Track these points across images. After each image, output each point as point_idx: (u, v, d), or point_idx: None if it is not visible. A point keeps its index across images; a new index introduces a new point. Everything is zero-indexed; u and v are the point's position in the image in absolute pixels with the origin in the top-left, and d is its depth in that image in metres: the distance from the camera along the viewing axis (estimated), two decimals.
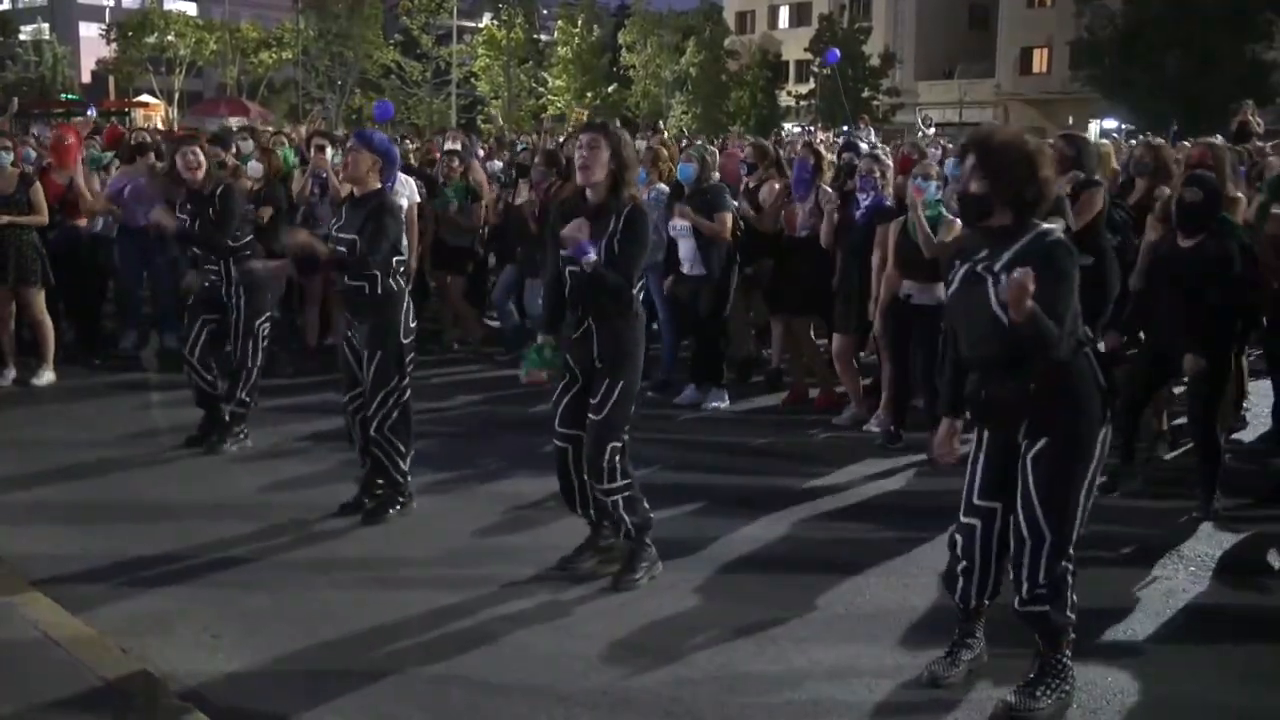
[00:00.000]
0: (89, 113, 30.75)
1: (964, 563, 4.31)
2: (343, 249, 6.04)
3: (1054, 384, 4.04)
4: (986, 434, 4.27)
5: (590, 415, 5.30)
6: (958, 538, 4.33)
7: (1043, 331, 3.88)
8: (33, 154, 11.21)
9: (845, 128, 22.25)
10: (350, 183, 6.17)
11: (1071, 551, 4.16)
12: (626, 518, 5.37)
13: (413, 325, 6.23)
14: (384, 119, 15.72)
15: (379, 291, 6.05)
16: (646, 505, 5.48)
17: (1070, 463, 4.08)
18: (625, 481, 5.35)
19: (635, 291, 5.35)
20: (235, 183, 7.65)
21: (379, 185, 6.12)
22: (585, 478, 5.41)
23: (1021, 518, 4.12)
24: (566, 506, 5.63)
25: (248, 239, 7.53)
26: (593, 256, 5.09)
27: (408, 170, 11.05)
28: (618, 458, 5.30)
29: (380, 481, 6.33)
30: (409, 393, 6.24)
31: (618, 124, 5.76)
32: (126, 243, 10.50)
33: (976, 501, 4.27)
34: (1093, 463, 4.13)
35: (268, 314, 7.63)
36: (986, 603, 4.41)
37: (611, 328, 5.26)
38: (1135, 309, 6.85)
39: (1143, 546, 5.94)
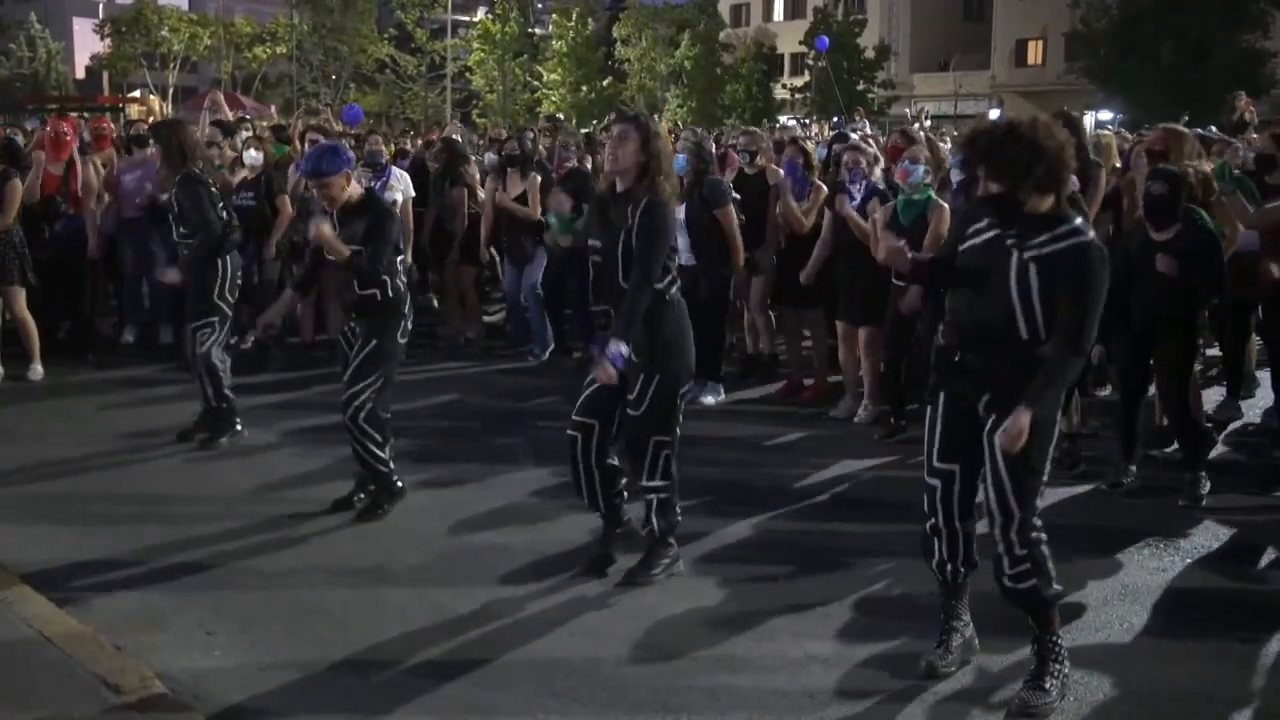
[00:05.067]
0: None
1: (931, 520, 4.36)
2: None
3: (1025, 364, 4.05)
4: (944, 398, 4.31)
5: (629, 411, 5.21)
6: (924, 497, 4.39)
7: (1062, 382, 4.13)
8: (19, 140, 11.20)
9: (836, 119, 22.18)
10: (335, 206, 6.09)
11: (1039, 521, 4.22)
12: (655, 520, 5.32)
13: (409, 327, 6.22)
14: (354, 122, 15.59)
15: (389, 295, 6.06)
16: (679, 511, 5.41)
17: (1038, 444, 4.12)
18: (665, 483, 5.27)
19: (668, 282, 5.19)
20: (195, 174, 7.46)
21: (363, 189, 6.08)
22: (594, 470, 5.33)
23: (992, 496, 4.17)
24: (577, 496, 5.51)
25: (202, 236, 7.34)
26: (623, 351, 5.00)
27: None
28: (664, 454, 5.22)
29: (368, 475, 6.31)
30: (386, 388, 6.15)
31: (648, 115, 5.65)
32: (125, 235, 10.48)
33: (936, 464, 4.33)
34: (1054, 440, 4.26)
35: (208, 319, 7.35)
36: (963, 571, 4.42)
37: (645, 321, 5.12)
38: (1111, 308, 6.82)
39: (1139, 538, 5.93)
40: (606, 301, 5.24)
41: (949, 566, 4.41)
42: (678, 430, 5.28)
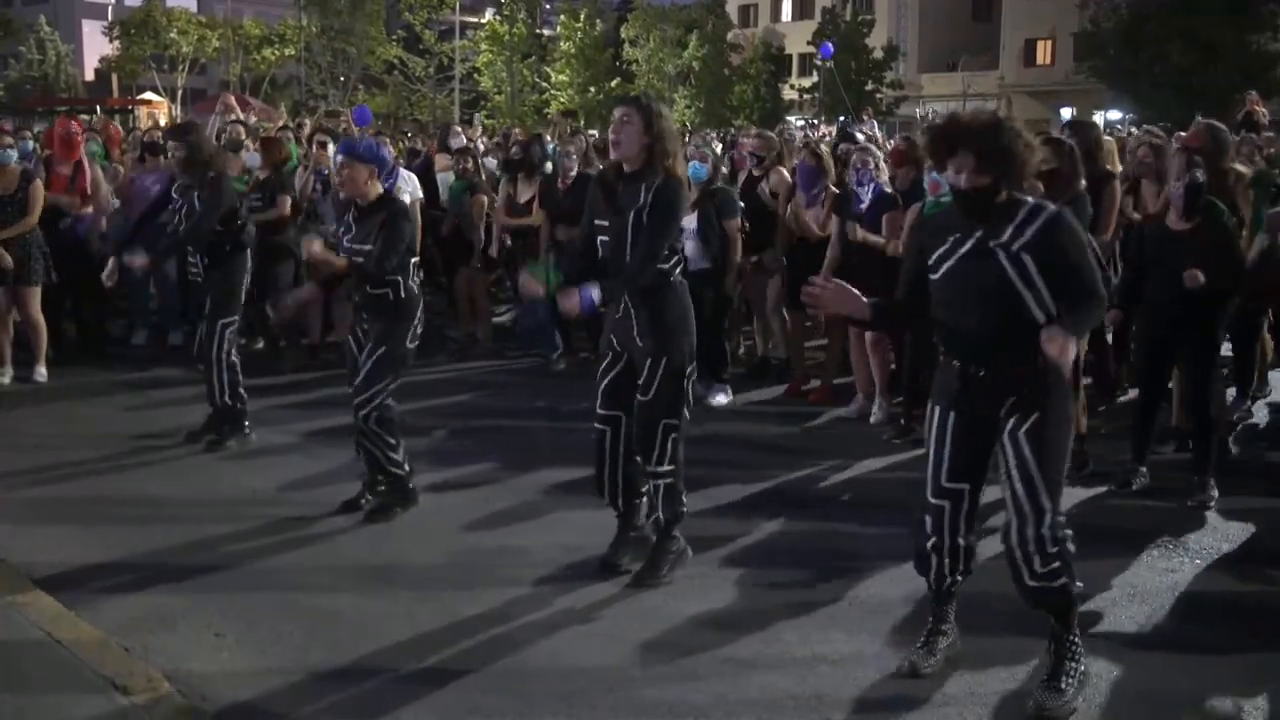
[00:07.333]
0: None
1: (933, 539, 4.34)
2: (359, 259, 6.04)
3: (1043, 361, 4.04)
4: (952, 416, 4.27)
5: (638, 396, 5.21)
6: (927, 518, 4.36)
7: (1091, 324, 4.31)
8: (30, 145, 11.21)
9: (840, 119, 22.12)
10: (352, 196, 6.14)
11: (1063, 517, 4.21)
12: (661, 507, 5.30)
13: (419, 331, 6.23)
14: (363, 123, 15.70)
15: (401, 296, 6.06)
16: (685, 500, 5.39)
17: (1063, 437, 4.19)
18: (672, 468, 5.24)
19: (673, 263, 5.21)
20: (225, 174, 7.59)
21: (382, 190, 6.13)
22: (620, 464, 5.33)
23: (1022, 493, 4.13)
24: (597, 494, 5.49)
25: (232, 230, 7.43)
26: (595, 297, 5.03)
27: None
28: (672, 437, 5.19)
29: (381, 478, 6.31)
30: (393, 393, 6.18)
31: (651, 97, 5.59)
32: (136, 238, 10.46)
33: (946, 484, 4.30)
34: (1072, 435, 4.32)
35: (234, 317, 7.48)
36: (959, 579, 4.42)
37: (649, 302, 5.15)
38: (1124, 291, 6.82)
39: (1148, 540, 5.91)
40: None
41: (948, 579, 4.41)
42: (686, 414, 5.27)
